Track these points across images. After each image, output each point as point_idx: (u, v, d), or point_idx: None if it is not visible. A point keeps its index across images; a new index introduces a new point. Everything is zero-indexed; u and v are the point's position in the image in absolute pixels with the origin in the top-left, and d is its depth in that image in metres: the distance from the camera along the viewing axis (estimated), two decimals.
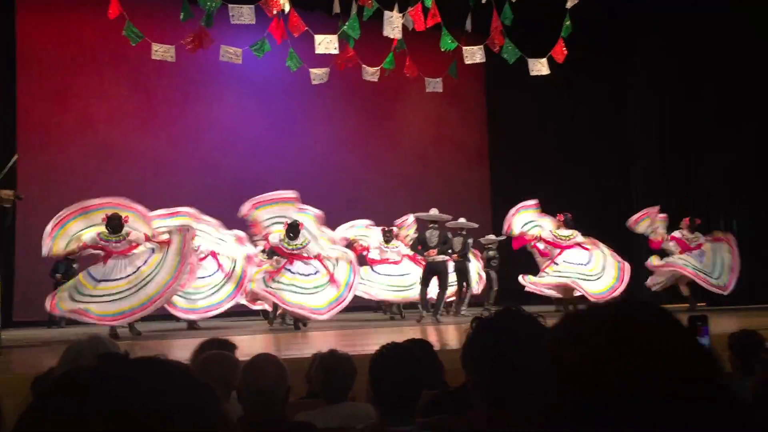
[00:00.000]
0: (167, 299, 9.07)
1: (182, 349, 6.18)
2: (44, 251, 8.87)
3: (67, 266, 11.72)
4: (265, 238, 10.28)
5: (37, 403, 0.67)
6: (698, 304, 11.56)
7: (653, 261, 11.83)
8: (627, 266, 11.37)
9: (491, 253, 13.07)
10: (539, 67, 10.94)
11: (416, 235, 11.23)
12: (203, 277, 10.00)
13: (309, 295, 9.71)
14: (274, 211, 10.43)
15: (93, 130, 13.46)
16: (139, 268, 8.86)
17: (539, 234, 11.61)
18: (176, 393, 0.67)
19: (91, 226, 8.99)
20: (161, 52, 10.00)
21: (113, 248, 8.86)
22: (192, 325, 10.15)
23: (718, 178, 13.35)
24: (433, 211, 11.15)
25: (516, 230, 11.69)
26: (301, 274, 9.86)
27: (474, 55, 10.80)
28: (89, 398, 0.65)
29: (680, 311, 10.63)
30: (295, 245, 9.92)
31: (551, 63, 10.95)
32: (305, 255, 9.98)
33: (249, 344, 7.29)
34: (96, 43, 13.27)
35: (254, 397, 2.63)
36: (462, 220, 11.73)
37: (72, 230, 8.93)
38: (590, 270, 11.29)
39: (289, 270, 9.89)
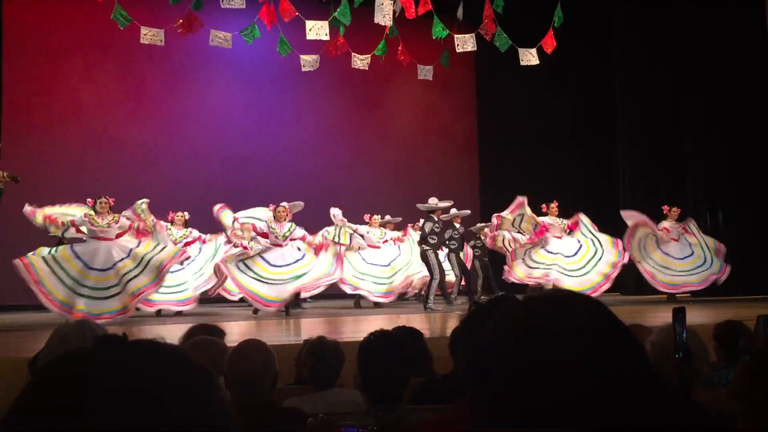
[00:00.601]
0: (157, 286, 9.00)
1: (167, 335, 6.16)
2: (27, 209, 8.86)
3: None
4: (253, 228, 10.15)
5: (34, 384, 0.67)
6: (684, 295, 11.61)
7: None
8: (620, 242, 11.35)
9: (478, 242, 13.08)
10: (529, 56, 10.97)
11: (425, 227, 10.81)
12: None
13: (274, 286, 9.46)
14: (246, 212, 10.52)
15: (80, 116, 13.35)
16: (130, 251, 8.83)
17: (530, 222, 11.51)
18: (174, 376, 0.67)
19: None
20: (150, 35, 9.93)
21: (101, 233, 8.81)
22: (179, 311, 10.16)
23: (705, 166, 13.42)
24: (433, 201, 11.07)
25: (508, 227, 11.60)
26: (277, 266, 9.57)
27: (465, 43, 10.81)
28: (87, 379, 0.65)
29: (663, 302, 10.74)
30: (284, 233, 9.83)
31: (541, 53, 10.97)
32: (293, 238, 9.88)
33: (237, 330, 7.29)
34: (84, 27, 13.13)
35: (242, 383, 2.63)
36: (453, 210, 11.75)
37: (54, 209, 8.97)
38: (574, 262, 11.23)
39: (265, 260, 9.62)
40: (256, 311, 9.63)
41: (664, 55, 13.54)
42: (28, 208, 8.98)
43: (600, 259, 11.19)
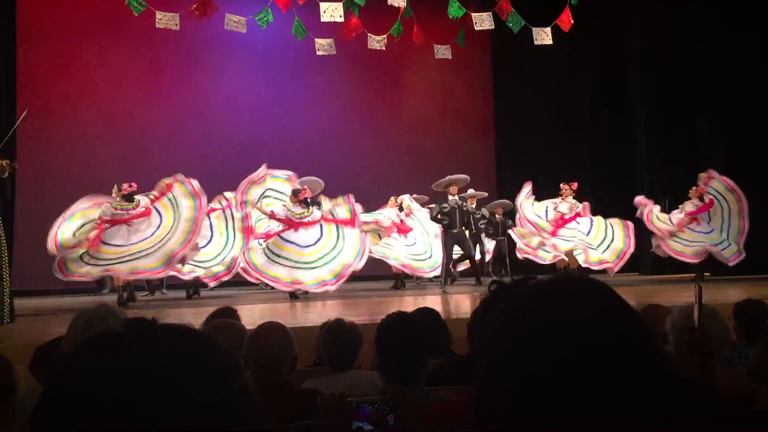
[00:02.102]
0: (177, 262, 9.13)
1: (187, 320, 6.22)
2: (50, 246, 8.89)
3: None
4: (271, 215, 10.15)
5: (67, 364, 0.68)
6: (704, 274, 11.53)
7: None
8: (630, 225, 11.31)
9: (491, 222, 13.00)
10: (543, 36, 10.88)
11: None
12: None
13: (306, 270, 9.49)
14: (261, 188, 10.44)
15: (95, 99, 13.40)
16: (154, 232, 9.00)
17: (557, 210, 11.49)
18: (202, 360, 0.69)
19: (90, 222, 9.07)
20: (165, 20, 9.94)
21: (130, 215, 8.95)
22: (190, 295, 10.25)
23: (723, 145, 13.25)
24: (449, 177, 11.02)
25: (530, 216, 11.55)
26: (301, 246, 9.61)
27: (483, 21, 10.73)
28: (119, 360, 0.66)
29: (687, 281, 10.67)
30: (302, 214, 9.82)
31: (557, 32, 10.86)
32: (312, 221, 9.86)
33: (257, 313, 7.35)
34: (98, 11, 13.16)
35: (261, 365, 2.65)
36: (471, 190, 11.75)
37: (76, 224, 9.01)
38: (592, 239, 11.22)
39: (289, 240, 9.67)
40: (293, 295, 9.57)
41: (682, 33, 13.35)
42: (52, 248, 8.95)
43: (608, 246, 11.13)
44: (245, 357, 2.69)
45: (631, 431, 0.74)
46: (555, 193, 11.65)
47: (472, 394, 1.65)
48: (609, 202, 13.04)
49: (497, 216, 12.98)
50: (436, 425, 1.41)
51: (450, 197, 10.53)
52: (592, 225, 11.34)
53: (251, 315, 6.67)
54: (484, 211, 12.08)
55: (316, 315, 7.34)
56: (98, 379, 0.64)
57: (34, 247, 12.00)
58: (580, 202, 11.50)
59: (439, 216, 10.52)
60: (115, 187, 9.25)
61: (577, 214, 11.34)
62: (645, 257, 12.79)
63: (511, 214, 12.85)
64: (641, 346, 0.80)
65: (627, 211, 11.85)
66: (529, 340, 0.79)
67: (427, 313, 3.73)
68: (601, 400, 0.75)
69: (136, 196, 9.22)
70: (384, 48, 11.28)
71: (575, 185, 11.42)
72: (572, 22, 10.76)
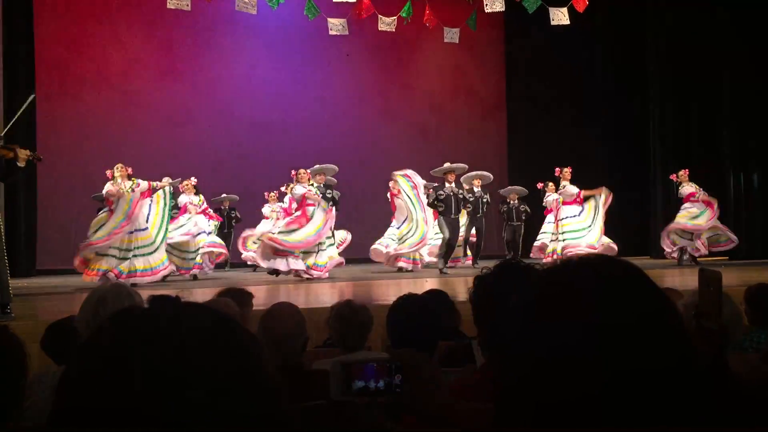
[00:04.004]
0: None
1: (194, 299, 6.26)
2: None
3: None
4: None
5: (93, 337, 0.69)
6: (718, 259, 11.47)
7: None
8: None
9: (504, 207, 12.99)
10: (560, 16, 10.79)
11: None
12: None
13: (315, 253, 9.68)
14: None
15: (109, 78, 13.45)
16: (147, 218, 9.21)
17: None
18: (225, 338, 0.69)
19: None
20: (176, 1, 9.92)
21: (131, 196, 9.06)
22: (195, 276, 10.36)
23: (739, 128, 13.12)
24: (448, 164, 11.07)
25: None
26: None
27: (494, 3, 10.64)
28: (144, 337, 0.66)
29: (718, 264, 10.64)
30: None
31: (571, 12, 10.76)
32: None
33: (266, 294, 7.39)
34: None
35: (273, 345, 2.66)
36: (476, 171, 11.77)
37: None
38: (582, 221, 11.16)
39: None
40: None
41: (698, 14, 13.16)
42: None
43: (586, 235, 11.05)
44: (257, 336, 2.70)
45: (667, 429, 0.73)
46: (551, 177, 11.58)
47: (482, 374, 1.66)
48: (621, 183, 12.94)
49: (511, 202, 12.94)
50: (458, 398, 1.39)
51: (447, 184, 10.82)
52: (583, 208, 11.29)
53: (259, 296, 6.70)
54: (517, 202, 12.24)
55: (326, 296, 7.37)
56: (123, 356, 0.65)
57: (55, 226, 12.15)
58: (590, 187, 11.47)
59: (435, 202, 10.64)
60: (114, 170, 9.26)
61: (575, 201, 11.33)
62: (656, 240, 12.73)
63: (526, 199, 12.85)
64: (679, 341, 0.78)
65: (640, 193, 11.79)
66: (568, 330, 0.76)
67: (437, 294, 3.74)
68: (643, 397, 0.74)
69: (136, 180, 9.37)
70: (394, 29, 11.23)
71: (567, 170, 11.29)
72: (587, 2, 10.66)
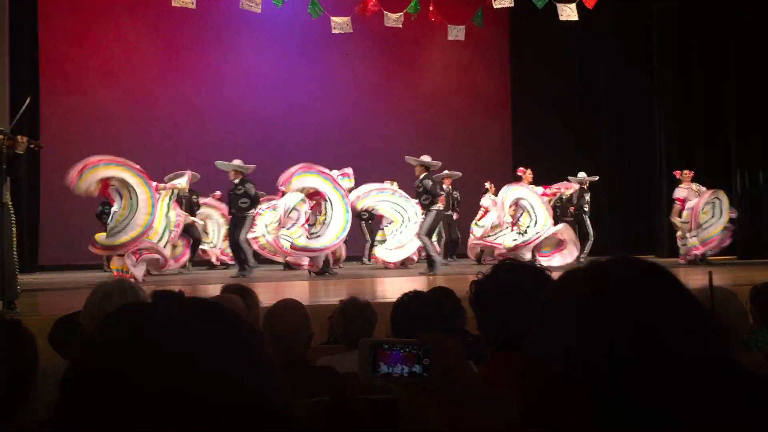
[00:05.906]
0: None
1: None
2: (69, 182, 8.97)
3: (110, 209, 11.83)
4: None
5: (96, 335, 0.69)
6: (726, 258, 11.43)
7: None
8: None
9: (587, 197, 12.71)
10: (569, 12, 10.76)
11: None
12: None
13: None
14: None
15: (114, 75, 13.47)
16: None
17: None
18: (229, 333, 0.69)
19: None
20: None
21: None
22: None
23: (745, 127, 13.06)
24: (425, 158, 11.00)
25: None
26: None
27: None
28: (148, 331, 0.66)
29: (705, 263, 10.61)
30: None
31: (580, 8, 10.73)
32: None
33: (271, 290, 7.39)
34: None
35: (277, 341, 2.66)
36: (446, 171, 11.95)
37: (97, 175, 9.03)
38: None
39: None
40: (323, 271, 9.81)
41: (705, 12, 13.11)
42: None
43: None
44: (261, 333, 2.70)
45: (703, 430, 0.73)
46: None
47: (489, 371, 1.66)
48: (626, 181, 12.93)
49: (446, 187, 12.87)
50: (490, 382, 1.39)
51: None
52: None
53: (266, 292, 6.71)
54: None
55: (330, 293, 7.37)
56: (128, 351, 0.65)
57: (59, 222, 12.17)
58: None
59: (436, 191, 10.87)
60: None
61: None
62: (662, 239, 12.69)
63: None
64: (712, 339, 0.78)
65: (645, 191, 11.76)
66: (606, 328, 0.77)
67: (441, 292, 3.73)
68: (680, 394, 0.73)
69: None
70: (401, 26, 11.21)
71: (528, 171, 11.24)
72: None
